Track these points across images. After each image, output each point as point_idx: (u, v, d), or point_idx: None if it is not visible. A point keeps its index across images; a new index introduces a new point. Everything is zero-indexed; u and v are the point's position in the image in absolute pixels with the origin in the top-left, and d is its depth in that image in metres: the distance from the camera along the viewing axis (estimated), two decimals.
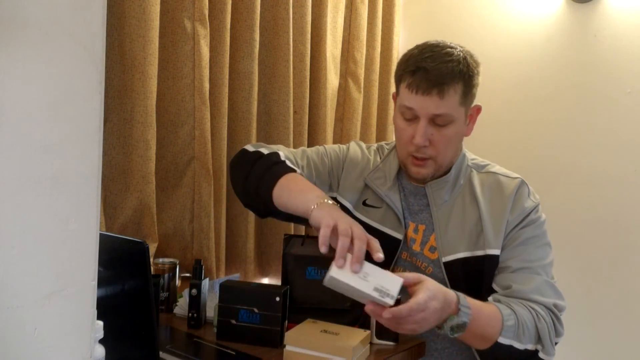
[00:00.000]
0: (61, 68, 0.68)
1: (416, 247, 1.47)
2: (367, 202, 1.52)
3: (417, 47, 1.43)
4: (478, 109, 1.49)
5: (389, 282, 1.15)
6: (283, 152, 1.46)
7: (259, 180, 1.39)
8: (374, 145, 1.62)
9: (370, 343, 1.35)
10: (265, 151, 1.45)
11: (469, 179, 1.49)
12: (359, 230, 1.19)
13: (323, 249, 1.17)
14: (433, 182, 1.48)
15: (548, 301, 1.37)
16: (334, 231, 1.17)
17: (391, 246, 1.46)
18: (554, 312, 1.37)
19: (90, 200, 0.72)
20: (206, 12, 1.75)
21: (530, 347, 1.32)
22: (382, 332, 1.35)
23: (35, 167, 0.67)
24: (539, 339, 1.33)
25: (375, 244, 1.20)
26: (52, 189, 0.68)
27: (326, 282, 1.16)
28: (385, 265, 1.45)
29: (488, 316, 1.29)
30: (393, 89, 2.53)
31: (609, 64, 2.21)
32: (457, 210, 1.46)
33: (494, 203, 1.45)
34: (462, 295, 1.26)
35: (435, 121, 1.38)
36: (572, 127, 2.29)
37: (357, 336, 1.22)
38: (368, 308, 1.16)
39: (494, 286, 1.40)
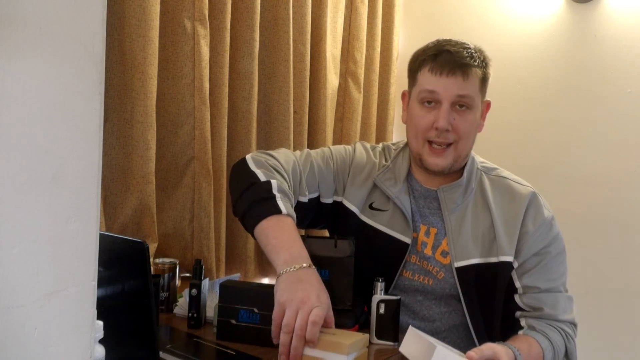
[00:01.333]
0: (61, 68, 0.68)
1: (427, 251, 1.46)
2: (373, 205, 1.50)
3: (431, 42, 1.46)
4: (488, 104, 1.51)
5: None
6: (277, 180, 1.38)
7: (246, 212, 1.37)
8: (379, 146, 1.61)
9: (370, 343, 1.35)
10: (261, 176, 1.38)
11: (480, 182, 1.48)
12: (302, 320, 1.14)
13: (274, 341, 1.18)
14: (445, 186, 1.46)
15: (571, 317, 1.43)
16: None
17: (399, 250, 1.45)
18: (575, 324, 1.45)
19: (90, 200, 0.72)
20: (206, 12, 1.75)
21: None
22: (382, 332, 1.35)
23: (35, 167, 0.67)
24: (566, 355, 1.41)
25: (330, 322, 1.19)
26: (52, 189, 0.68)
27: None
28: (392, 270, 1.46)
29: (534, 357, 1.32)
30: (393, 88, 2.53)
31: (609, 63, 2.21)
32: (470, 215, 1.45)
33: (506, 209, 1.44)
34: (519, 354, 1.26)
35: (458, 104, 1.40)
36: (572, 127, 2.29)
37: (354, 336, 1.22)
38: None
39: (523, 305, 1.42)
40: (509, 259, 1.41)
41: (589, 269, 2.25)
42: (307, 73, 2.11)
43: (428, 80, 1.40)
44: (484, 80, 1.44)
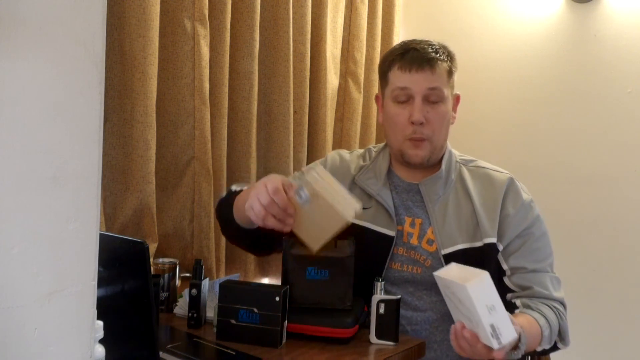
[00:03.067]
0: (61, 68, 0.68)
1: (414, 241, 1.51)
2: None
3: (397, 44, 1.60)
4: (458, 97, 1.59)
5: (506, 328, 1.16)
6: (238, 184, 1.56)
7: (224, 219, 1.51)
8: (360, 150, 1.68)
9: (370, 343, 1.35)
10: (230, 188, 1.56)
11: (460, 173, 1.56)
12: (265, 199, 1.23)
13: (263, 224, 1.27)
14: (426, 179, 1.53)
15: (561, 296, 1.48)
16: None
17: (385, 244, 1.50)
18: (564, 304, 1.49)
19: (90, 200, 0.72)
20: (206, 12, 1.75)
21: (554, 342, 1.42)
22: (382, 332, 1.35)
23: (35, 167, 0.67)
24: (560, 334, 1.45)
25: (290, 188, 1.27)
26: (52, 189, 0.68)
27: (452, 282, 1.19)
28: (380, 263, 1.49)
29: (534, 336, 1.36)
30: None
31: (609, 63, 2.21)
32: (452, 204, 1.52)
33: (485, 195, 1.52)
34: (522, 332, 1.26)
35: (429, 98, 1.48)
36: (572, 127, 2.29)
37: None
38: (465, 334, 1.18)
39: (511, 286, 1.48)
40: (493, 240, 1.47)
41: (589, 268, 2.25)
42: (307, 73, 2.11)
43: (399, 78, 1.49)
44: (450, 73, 1.52)
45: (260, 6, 1.93)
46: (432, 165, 1.54)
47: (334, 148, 2.29)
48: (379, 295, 1.37)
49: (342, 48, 2.30)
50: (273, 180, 1.26)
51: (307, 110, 2.12)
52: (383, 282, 1.38)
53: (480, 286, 1.15)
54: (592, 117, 2.25)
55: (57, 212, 0.69)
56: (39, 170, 0.67)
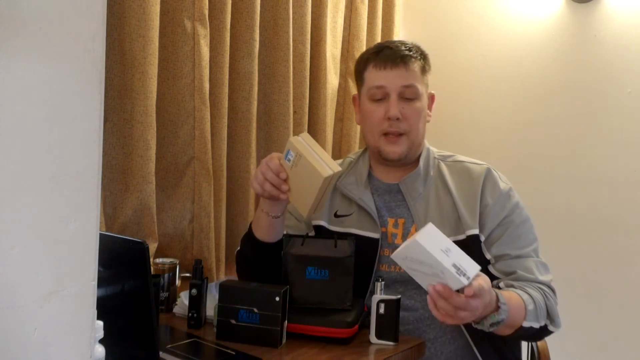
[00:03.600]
0: (61, 68, 0.68)
1: (398, 241, 1.53)
2: (337, 213, 1.59)
3: (372, 46, 1.67)
4: (433, 97, 1.62)
5: (467, 264, 1.19)
6: None
7: (248, 255, 1.56)
8: (338, 161, 1.70)
9: (370, 343, 1.35)
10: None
11: (438, 169, 1.58)
12: (262, 167, 1.38)
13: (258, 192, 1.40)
14: (405, 178, 1.56)
15: (546, 280, 1.48)
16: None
17: (371, 247, 1.52)
18: (552, 288, 1.48)
19: (90, 200, 0.72)
20: (206, 12, 1.75)
21: (543, 323, 1.41)
22: (382, 332, 1.35)
23: (35, 167, 0.67)
24: (549, 316, 1.43)
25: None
26: (52, 189, 0.68)
27: (405, 247, 1.20)
28: (368, 265, 1.51)
29: (516, 307, 1.36)
30: None
31: (609, 63, 2.21)
32: (433, 200, 1.54)
33: (465, 188, 1.53)
34: (499, 293, 1.31)
35: (405, 95, 1.52)
36: (572, 127, 2.29)
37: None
38: (437, 288, 1.18)
39: (496, 273, 1.48)
40: (475, 231, 1.49)
41: (589, 268, 2.25)
42: (307, 73, 2.11)
43: (374, 76, 1.54)
44: (423, 70, 1.56)
45: (260, 6, 1.93)
46: (410, 163, 1.57)
47: (334, 148, 2.29)
48: (379, 295, 1.37)
49: (342, 48, 2.30)
50: (270, 154, 1.40)
51: (307, 110, 2.12)
52: (383, 282, 1.38)
53: (428, 235, 1.19)
54: (592, 117, 2.25)
55: (57, 212, 0.69)
56: (39, 170, 0.67)
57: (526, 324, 1.37)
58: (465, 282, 1.17)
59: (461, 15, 2.51)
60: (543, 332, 1.44)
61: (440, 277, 1.18)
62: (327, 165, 1.32)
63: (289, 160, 1.34)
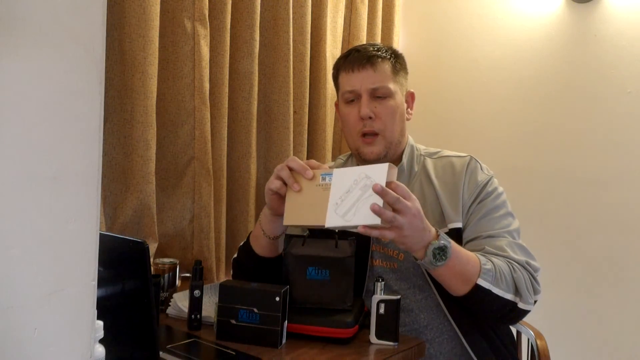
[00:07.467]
0: (61, 68, 0.68)
1: None
2: None
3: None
4: (412, 95, 1.63)
5: (373, 170, 1.22)
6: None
7: (247, 267, 1.55)
8: (330, 163, 1.73)
9: (371, 343, 1.35)
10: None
11: (423, 165, 1.59)
12: (275, 172, 1.35)
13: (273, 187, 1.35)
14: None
15: (520, 259, 1.42)
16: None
17: (364, 242, 1.52)
18: (528, 269, 1.42)
19: (90, 200, 0.72)
20: (206, 12, 1.75)
21: (509, 297, 1.36)
22: (382, 332, 1.35)
23: (35, 167, 0.67)
24: (517, 290, 1.38)
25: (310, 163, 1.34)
26: (52, 189, 0.68)
27: (339, 187, 1.24)
28: (362, 259, 1.53)
29: (467, 256, 1.35)
30: None
31: (609, 63, 2.21)
32: (417, 195, 1.51)
33: (449, 182, 1.54)
34: (445, 235, 1.32)
35: (376, 94, 1.53)
36: (572, 127, 2.29)
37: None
38: (373, 207, 1.18)
39: None
40: (458, 225, 1.48)
41: (590, 268, 2.25)
42: (307, 73, 2.11)
43: (346, 80, 1.55)
44: (395, 70, 1.56)
45: (260, 6, 1.93)
46: (393, 161, 1.56)
47: (334, 148, 2.29)
48: (379, 295, 1.37)
49: (342, 48, 2.30)
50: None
51: (307, 110, 2.12)
52: (383, 282, 1.38)
53: (339, 171, 1.25)
54: (592, 117, 2.25)
55: (57, 212, 0.69)
56: (39, 170, 0.67)
57: (483, 284, 1.33)
58: (385, 165, 1.21)
59: (461, 15, 2.51)
60: (510, 306, 1.37)
61: (368, 185, 1.20)
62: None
63: (323, 178, 1.27)
